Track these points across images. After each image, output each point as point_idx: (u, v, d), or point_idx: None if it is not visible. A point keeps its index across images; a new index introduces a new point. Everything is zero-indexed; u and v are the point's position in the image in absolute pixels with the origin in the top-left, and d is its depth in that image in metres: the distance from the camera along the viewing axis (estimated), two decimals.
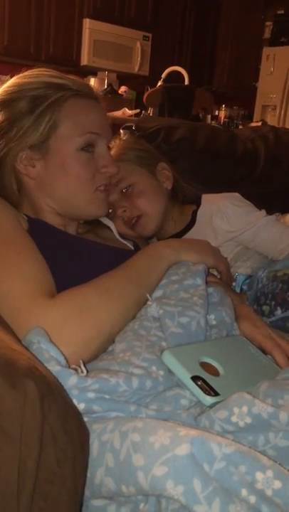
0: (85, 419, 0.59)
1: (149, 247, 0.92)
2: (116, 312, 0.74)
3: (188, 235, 1.16)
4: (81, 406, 0.59)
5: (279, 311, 0.93)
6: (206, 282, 0.84)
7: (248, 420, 0.56)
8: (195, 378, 0.64)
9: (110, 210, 1.10)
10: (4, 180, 0.91)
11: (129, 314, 0.76)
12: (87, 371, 0.63)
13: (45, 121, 0.87)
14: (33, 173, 0.90)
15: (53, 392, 0.48)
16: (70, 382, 0.59)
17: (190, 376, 0.64)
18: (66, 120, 0.88)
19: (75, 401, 0.58)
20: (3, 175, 0.91)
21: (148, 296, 0.79)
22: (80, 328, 0.69)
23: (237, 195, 1.20)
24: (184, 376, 0.64)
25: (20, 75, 0.93)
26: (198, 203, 1.20)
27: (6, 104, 0.89)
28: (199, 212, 1.17)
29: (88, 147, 0.91)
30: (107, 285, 0.76)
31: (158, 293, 0.79)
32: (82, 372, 0.62)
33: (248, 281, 1.14)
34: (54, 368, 0.59)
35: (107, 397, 0.60)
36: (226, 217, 1.14)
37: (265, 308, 0.95)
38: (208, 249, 0.93)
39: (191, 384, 0.63)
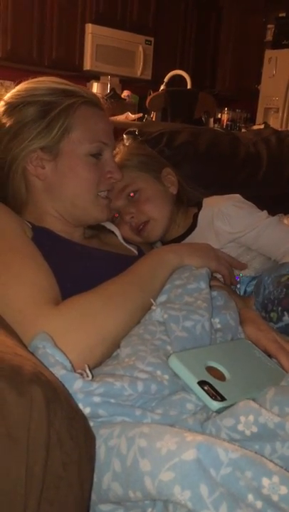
0: (91, 423, 0.59)
1: (152, 252, 0.93)
2: (120, 318, 0.74)
3: (190, 238, 1.16)
4: (87, 410, 0.59)
5: (287, 317, 0.93)
6: (210, 286, 0.84)
7: (255, 429, 0.57)
8: (201, 383, 0.64)
9: (116, 215, 1.11)
10: (14, 181, 0.93)
11: (133, 320, 0.76)
12: (93, 376, 0.63)
13: (59, 125, 0.90)
14: (42, 174, 0.92)
15: (58, 397, 0.49)
16: (76, 386, 0.59)
17: (196, 381, 0.64)
18: (78, 126, 0.92)
19: (80, 405, 0.58)
20: (14, 176, 0.93)
21: (152, 301, 0.79)
22: (84, 336, 0.69)
23: (238, 196, 1.20)
24: (191, 381, 0.64)
25: (30, 80, 0.96)
26: (199, 205, 1.20)
27: (18, 108, 0.91)
28: (200, 215, 1.17)
29: (96, 154, 0.94)
30: (111, 292, 0.77)
31: (162, 298, 0.79)
32: (87, 376, 0.62)
33: (252, 282, 1.14)
34: (59, 372, 0.60)
35: (112, 401, 0.60)
36: (228, 219, 1.14)
37: (273, 315, 0.95)
38: (210, 253, 0.94)
39: (198, 389, 0.63)
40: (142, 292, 0.79)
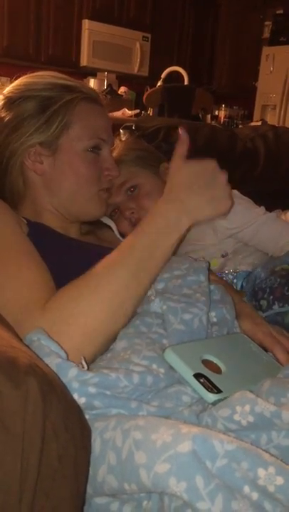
0: (86, 416, 0.59)
1: (151, 212, 0.77)
2: (108, 311, 0.70)
3: (187, 233, 1.16)
4: (82, 400, 0.59)
5: (276, 306, 0.93)
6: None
7: (251, 419, 0.56)
8: (197, 376, 0.64)
9: (116, 211, 1.10)
10: (12, 175, 0.93)
11: (127, 309, 0.71)
12: (88, 367, 0.63)
13: (58, 120, 0.90)
14: (40, 169, 0.92)
15: (54, 389, 0.48)
16: (71, 374, 0.59)
17: (192, 373, 0.64)
18: (78, 121, 0.91)
19: (76, 395, 0.58)
20: (12, 170, 0.92)
21: (152, 288, 0.74)
22: (67, 338, 0.66)
23: (235, 192, 1.20)
24: (187, 373, 0.64)
25: (29, 75, 0.95)
26: None
27: (17, 103, 0.90)
28: None
29: (95, 149, 0.94)
30: (99, 281, 0.70)
31: (160, 285, 0.78)
32: (83, 367, 0.62)
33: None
34: (55, 361, 0.59)
35: (108, 393, 0.60)
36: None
37: (263, 302, 0.95)
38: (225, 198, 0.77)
39: (194, 381, 0.63)
40: (137, 273, 0.71)
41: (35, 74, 0.95)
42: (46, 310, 0.69)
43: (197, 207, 0.74)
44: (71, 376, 0.59)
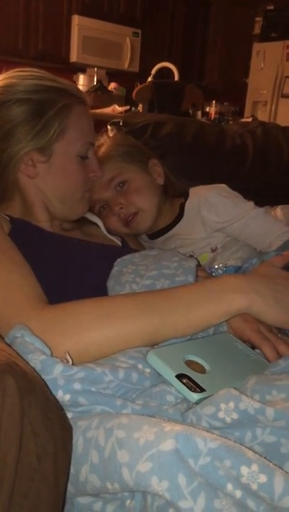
0: (70, 415, 0.58)
1: (217, 279, 0.75)
2: (108, 337, 0.67)
3: (177, 228, 1.16)
4: (66, 397, 0.58)
5: None
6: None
7: (235, 416, 0.56)
8: (180, 376, 0.63)
9: (105, 206, 1.10)
10: (3, 178, 0.91)
11: (132, 345, 0.67)
12: (73, 363, 0.62)
13: (55, 126, 0.89)
14: (33, 172, 0.91)
15: (33, 388, 0.48)
16: (56, 370, 0.58)
17: (174, 374, 0.63)
18: (73, 127, 0.91)
19: (60, 392, 0.58)
20: (4, 174, 0.91)
21: (140, 284, 0.74)
22: (59, 347, 0.64)
23: (224, 186, 1.20)
24: (169, 375, 0.63)
25: (14, 74, 0.90)
26: (186, 195, 1.20)
27: (6, 105, 0.87)
28: (187, 205, 1.17)
29: (84, 156, 0.94)
30: (113, 308, 0.69)
31: (147, 281, 0.78)
32: (67, 361, 0.61)
33: (238, 272, 1.14)
34: (40, 358, 0.59)
35: (93, 389, 0.59)
36: (214, 208, 1.13)
37: None
38: None
39: (176, 382, 0.62)
40: (160, 317, 0.68)
41: (18, 73, 0.90)
42: (44, 312, 0.68)
43: (262, 296, 0.70)
44: (57, 373, 0.58)
